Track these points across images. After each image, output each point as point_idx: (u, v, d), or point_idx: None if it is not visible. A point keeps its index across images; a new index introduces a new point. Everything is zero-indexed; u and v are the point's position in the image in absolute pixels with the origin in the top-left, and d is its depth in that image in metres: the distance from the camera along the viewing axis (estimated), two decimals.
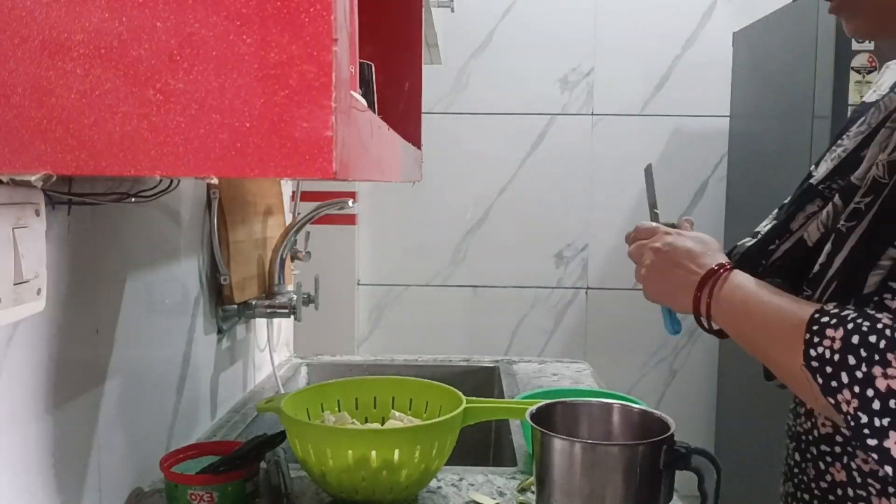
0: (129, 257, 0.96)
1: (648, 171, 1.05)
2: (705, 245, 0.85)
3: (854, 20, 0.78)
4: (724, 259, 0.82)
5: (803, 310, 0.71)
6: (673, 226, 0.95)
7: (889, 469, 0.64)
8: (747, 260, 0.87)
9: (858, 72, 1.92)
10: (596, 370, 1.67)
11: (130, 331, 0.96)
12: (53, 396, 0.79)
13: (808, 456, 0.82)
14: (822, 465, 0.80)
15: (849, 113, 1.90)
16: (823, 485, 0.80)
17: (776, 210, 0.94)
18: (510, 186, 2.80)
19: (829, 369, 0.66)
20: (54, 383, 0.79)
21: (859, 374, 0.64)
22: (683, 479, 0.81)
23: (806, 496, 0.83)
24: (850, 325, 0.66)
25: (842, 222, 0.74)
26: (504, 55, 2.74)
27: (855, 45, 1.94)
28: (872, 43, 1.92)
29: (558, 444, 0.79)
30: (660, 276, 0.86)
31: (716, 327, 0.83)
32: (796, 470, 0.85)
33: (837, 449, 0.78)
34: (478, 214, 2.82)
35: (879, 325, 0.65)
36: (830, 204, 0.79)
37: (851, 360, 0.65)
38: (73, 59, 0.40)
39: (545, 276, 2.82)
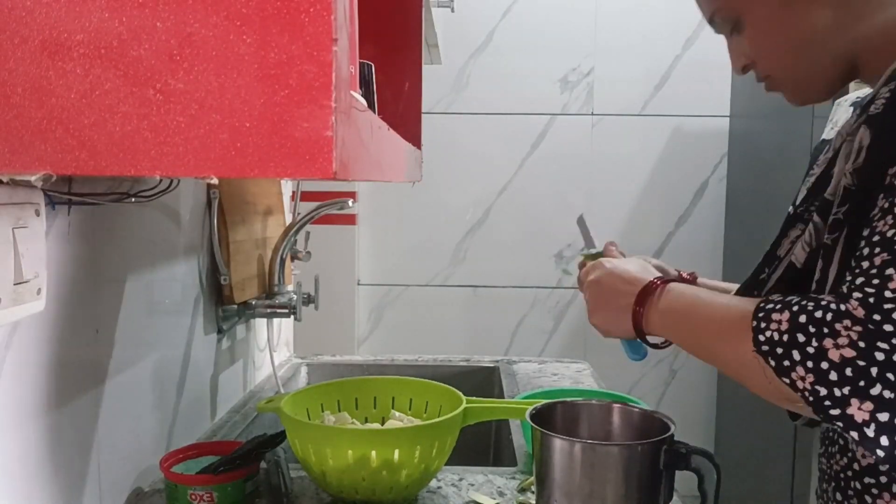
0: (129, 257, 0.96)
1: (581, 221, 1.08)
2: (638, 265, 0.88)
3: (786, 94, 0.85)
4: (658, 274, 0.85)
5: (747, 302, 0.73)
6: (599, 254, 0.98)
7: (855, 434, 0.65)
8: (743, 292, 0.88)
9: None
10: (596, 370, 1.67)
11: (130, 331, 0.96)
12: (53, 396, 0.79)
13: (850, 493, 0.81)
14: (868, 499, 0.79)
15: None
16: None
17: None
18: (510, 186, 2.80)
19: (779, 350, 0.67)
20: (54, 383, 0.79)
21: (811, 350, 0.66)
22: (683, 479, 0.81)
23: None
24: (794, 308, 0.68)
25: (826, 237, 0.76)
26: (504, 55, 2.74)
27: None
28: None
29: (558, 444, 0.79)
30: (602, 305, 0.88)
31: (655, 340, 0.85)
32: None
33: (883, 479, 0.77)
34: (478, 214, 2.82)
35: (823, 302, 0.67)
36: (811, 224, 0.81)
37: (801, 338, 0.66)
38: (73, 59, 0.40)
39: (545, 276, 2.82)
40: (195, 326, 1.20)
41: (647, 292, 0.83)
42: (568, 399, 0.91)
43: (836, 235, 0.75)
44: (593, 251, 1.01)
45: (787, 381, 0.67)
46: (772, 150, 2.32)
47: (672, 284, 0.83)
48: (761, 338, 0.69)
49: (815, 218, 0.80)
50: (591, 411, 0.90)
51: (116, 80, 0.40)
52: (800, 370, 0.66)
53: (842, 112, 0.98)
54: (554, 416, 0.87)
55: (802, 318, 0.66)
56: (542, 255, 2.82)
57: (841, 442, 0.82)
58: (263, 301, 1.40)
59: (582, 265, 0.99)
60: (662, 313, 0.81)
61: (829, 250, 0.76)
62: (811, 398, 0.66)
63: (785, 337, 0.67)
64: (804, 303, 0.68)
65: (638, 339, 0.88)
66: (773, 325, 0.68)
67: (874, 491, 0.78)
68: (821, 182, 0.84)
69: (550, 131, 2.78)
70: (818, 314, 0.66)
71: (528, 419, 0.83)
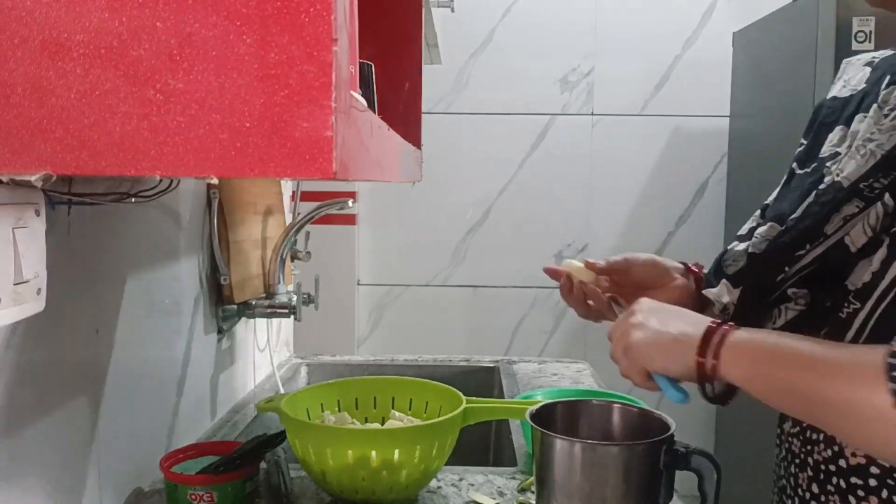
0: (129, 257, 0.96)
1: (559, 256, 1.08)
2: (676, 311, 0.79)
3: None
4: (708, 320, 0.75)
5: (863, 349, 0.64)
6: (580, 267, 0.97)
7: None
8: (764, 264, 0.79)
9: None
10: (596, 370, 1.67)
11: (130, 331, 0.96)
12: (53, 396, 0.79)
13: (831, 488, 0.75)
14: (852, 500, 0.73)
15: None
16: None
17: (758, 211, 0.88)
18: (510, 186, 2.80)
19: None
20: (54, 383, 0.79)
21: None
22: (683, 479, 0.81)
23: None
24: None
25: None
26: (504, 55, 2.74)
27: (855, 45, 1.94)
28: (873, 43, 1.92)
29: (558, 444, 0.79)
30: (650, 331, 0.78)
31: (718, 389, 0.77)
32: (814, 503, 0.77)
33: (872, 482, 0.71)
34: (478, 214, 2.82)
35: None
36: (879, 204, 0.70)
37: None
38: (73, 59, 0.40)
39: (545, 277, 2.81)
40: (195, 326, 1.20)
41: (711, 333, 0.73)
42: (568, 399, 0.91)
43: None
44: (574, 263, 1.00)
45: None
46: (772, 150, 2.32)
47: (738, 331, 0.72)
48: None
49: (887, 199, 0.70)
50: (591, 411, 0.90)
51: (116, 80, 0.40)
52: None
53: (853, 70, 0.86)
54: (554, 416, 0.87)
55: None
56: (542, 255, 2.81)
57: (826, 432, 0.76)
58: (263, 301, 1.40)
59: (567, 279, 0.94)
60: (733, 351, 0.71)
61: None
62: None
63: None
64: None
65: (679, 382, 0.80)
66: None
67: (860, 493, 0.72)
68: (893, 157, 0.71)
69: (550, 131, 2.78)
70: None
71: (528, 419, 0.83)
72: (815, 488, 0.77)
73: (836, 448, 0.74)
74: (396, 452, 0.91)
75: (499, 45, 2.75)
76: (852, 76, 0.85)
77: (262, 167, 0.40)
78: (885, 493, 0.70)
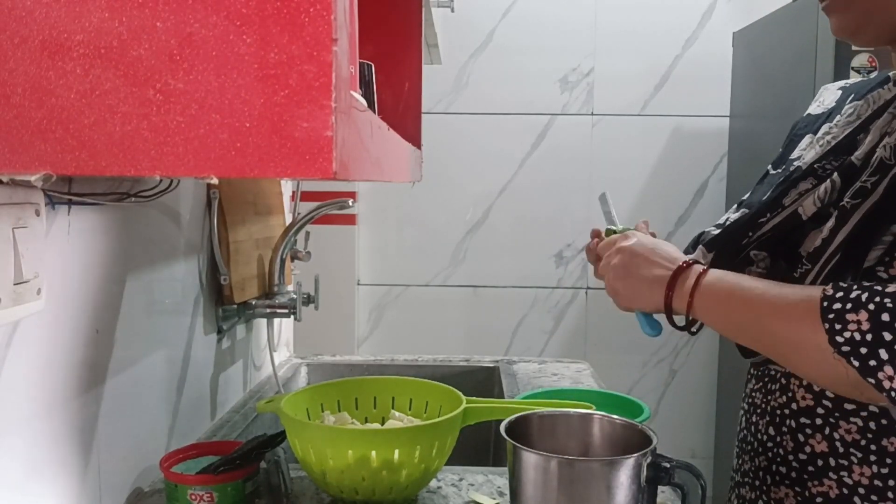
0: (129, 257, 0.96)
1: (603, 198, 1.06)
2: (672, 246, 0.88)
3: (843, 18, 0.83)
4: (687, 257, 0.85)
5: (808, 290, 0.72)
6: (626, 229, 0.97)
7: None
8: (733, 232, 0.89)
9: (858, 72, 1.92)
10: (596, 370, 1.67)
11: (130, 331, 0.96)
12: (53, 396, 0.79)
13: (785, 429, 0.84)
14: (801, 438, 0.82)
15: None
16: (802, 456, 0.82)
17: (735, 205, 0.96)
18: (510, 186, 2.80)
19: (864, 350, 0.66)
20: (54, 383, 0.79)
21: None
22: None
23: (783, 469, 0.84)
24: (870, 306, 0.66)
25: (846, 199, 0.76)
26: (504, 55, 2.74)
27: (855, 46, 1.94)
28: None
29: (533, 458, 0.74)
30: (632, 272, 0.87)
31: (682, 323, 0.85)
32: (770, 444, 0.86)
33: (818, 421, 0.80)
34: (478, 214, 2.82)
35: None
36: (828, 181, 0.81)
37: (888, 336, 0.65)
38: (73, 59, 0.40)
39: (545, 276, 2.82)
40: (195, 326, 1.20)
41: (679, 272, 0.82)
42: (545, 410, 0.88)
43: (858, 202, 0.75)
44: (619, 227, 0.98)
45: (873, 381, 0.66)
46: (772, 150, 2.32)
47: (712, 270, 0.81)
48: (840, 339, 0.67)
49: (835, 177, 0.80)
50: (570, 423, 0.86)
51: (116, 80, 0.40)
52: (888, 370, 0.65)
53: (828, 94, 0.98)
54: (530, 428, 0.84)
55: (885, 317, 0.65)
56: (542, 255, 2.82)
57: (783, 381, 0.85)
58: (263, 301, 1.40)
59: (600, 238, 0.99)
60: (703, 294, 0.80)
61: (844, 213, 0.76)
62: None
63: (868, 336, 0.65)
64: (879, 299, 0.66)
65: (653, 315, 0.87)
66: (852, 326, 0.66)
67: (808, 431, 0.81)
68: (844, 144, 0.84)
69: (550, 131, 2.78)
70: None
71: (504, 433, 0.78)
72: (771, 431, 0.86)
73: (789, 394, 0.84)
74: (396, 452, 0.91)
75: (499, 45, 2.75)
76: (826, 97, 0.97)
77: (262, 167, 0.40)
78: (827, 430, 0.79)
